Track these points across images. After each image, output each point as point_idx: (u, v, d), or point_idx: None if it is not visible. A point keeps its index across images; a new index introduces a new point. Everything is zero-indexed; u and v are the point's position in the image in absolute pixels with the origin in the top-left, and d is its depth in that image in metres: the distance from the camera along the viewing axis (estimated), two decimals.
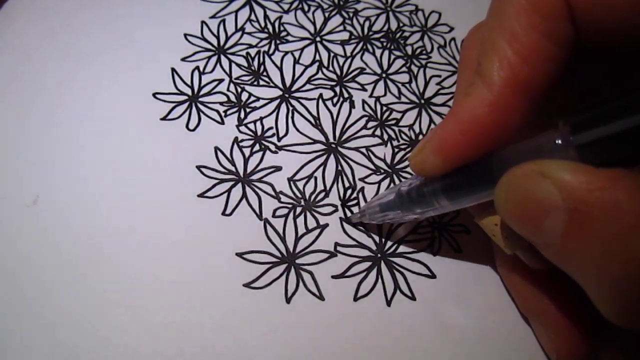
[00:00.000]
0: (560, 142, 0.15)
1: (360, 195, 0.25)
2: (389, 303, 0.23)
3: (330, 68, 0.29)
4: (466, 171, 0.18)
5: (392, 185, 0.26)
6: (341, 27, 0.31)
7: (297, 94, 0.28)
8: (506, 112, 0.17)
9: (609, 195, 0.13)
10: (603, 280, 0.14)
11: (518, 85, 0.17)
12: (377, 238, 0.24)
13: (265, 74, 0.28)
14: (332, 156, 0.26)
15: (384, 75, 0.30)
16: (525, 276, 0.22)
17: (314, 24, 0.31)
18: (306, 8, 0.32)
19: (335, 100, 0.28)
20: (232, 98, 0.27)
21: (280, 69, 0.29)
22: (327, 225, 0.24)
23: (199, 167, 0.24)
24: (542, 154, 0.16)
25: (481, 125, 0.17)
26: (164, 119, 0.26)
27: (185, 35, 0.29)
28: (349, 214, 0.25)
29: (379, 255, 0.24)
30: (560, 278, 0.20)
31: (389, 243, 0.24)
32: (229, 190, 0.24)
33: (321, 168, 0.26)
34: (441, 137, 0.18)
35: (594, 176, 0.14)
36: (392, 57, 0.31)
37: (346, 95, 0.29)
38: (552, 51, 0.17)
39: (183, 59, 0.28)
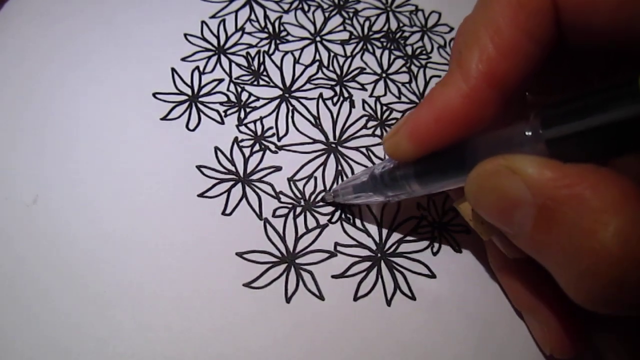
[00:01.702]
0: (530, 134, 0.16)
1: None
2: (389, 303, 0.23)
3: (331, 68, 0.29)
4: (438, 158, 0.19)
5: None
6: (341, 27, 0.31)
7: (297, 94, 0.28)
8: (480, 104, 0.17)
9: (576, 192, 0.14)
10: (570, 271, 0.14)
11: (494, 80, 0.17)
12: (377, 238, 0.24)
13: (265, 73, 0.28)
14: (332, 156, 0.26)
15: (384, 75, 0.30)
16: (517, 270, 0.22)
17: (314, 24, 0.31)
18: (306, 8, 0.32)
19: (335, 99, 0.28)
20: (232, 98, 0.27)
21: (280, 69, 0.29)
22: (327, 225, 0.24)
23: (199, 167, 0.24)
24: (512, 145, 0.16)
25: (454, 115, 0.17)
26: (164, 119, 0.26)
27: (185, 35, 0.29)
28: (348, 214, 0.25)
29: (378, 255, 0.24)
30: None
31: (389, 243, 0.24)
32: (229, 190, 0.24)
33: (321, 168, 0.26)
34: (415, 123, 0.18)
35: (562, 172, 0.14)
36: (392, 57, 0.31)
37: (346, 94, 0.29)
38: (532, 50, 0.17)
39: (183, 59, 0.28)
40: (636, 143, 0.14)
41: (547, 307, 0.21)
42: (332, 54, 0.30)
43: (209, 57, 0.28)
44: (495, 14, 0.17)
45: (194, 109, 0.26)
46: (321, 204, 0.25)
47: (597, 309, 0.14)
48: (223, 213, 0.23)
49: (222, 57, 0.28)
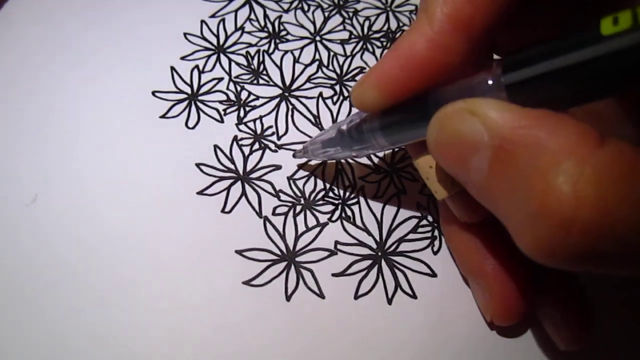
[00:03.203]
0: (491, 82, 0.16)
1: (361, 193, 0.25)
2: (389, 301, 0.23)
3: (330, 67, 0.29)
4: (403, 109, 0.19)
5: (391, 182, 0.26)
6: (341, 27, 0.31)
7: (296, 93, 0.28)
8: (445, 49, 0.17)
9: (531, 134, 0.14)
10: (521, 215, 0.14)
11: (459, 23, 0.17)
12: (377, 236, 0.24)
13: (264, 72, 0.28)
14: None
15: None
16: (465, 234, 0.22)
17: (313, 23, 0.31)
18: (306, 7, 0.32)
19: (335, 98, 0.28)
20: (232, 97, 0.27)
21: (280, 68, 0.29)
22: (327, 223, 0.24)
23: (198, 165, 0.24)
24: (475, 93, 0.16)
25: (420, 61, 0.17)
26: (163, 117, 0.26)
27: (184, 34, 0.29)
28: (349, 213, 0.25)
29: (379, 253, 0.24)
30: (497, 238, 0.21)
31: (390, 241, 0.24)
32: (228, 188, 0.24)
33: (321, 167, 0.26)
34: (380, 71, 0.18)
35: (519, 115, 0.14)
36: None
37: (346, 94, 0.29)
38: None
39: (182, 58, 0.28)
40: (597, 91, 0.14)
41: (490, 272, 0.21)
42: (331, 54, 0.30)
43: (209, 56, 0.28)
44: None
45: (193, 107, 0.26)
46: (321, 202, 0.25)
47: (543, 257, 0.14)
48: (222, 211, 0.23)
49: (222, 56, 0.28)
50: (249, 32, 0.30)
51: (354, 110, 0.27)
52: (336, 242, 0.24)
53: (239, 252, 0.22)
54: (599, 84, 0.14)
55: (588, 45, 0.13)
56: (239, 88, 0.27)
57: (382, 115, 0.19)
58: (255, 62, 0.29)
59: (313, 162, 0.25)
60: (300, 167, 0.25)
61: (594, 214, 0.13)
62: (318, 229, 0.24)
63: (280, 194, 0.24)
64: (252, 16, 0.30)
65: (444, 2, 0.17)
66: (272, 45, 0.29)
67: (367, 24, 0.32)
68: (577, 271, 0.14)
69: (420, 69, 0.17)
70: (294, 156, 0.25)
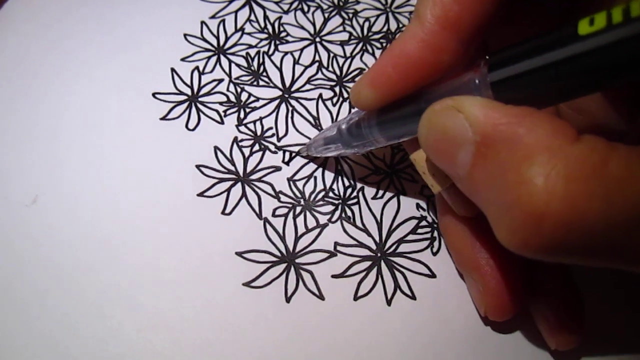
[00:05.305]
0: (478, 81, 0.16)
1: (361, 194, 0.25)
2: (389, 303, 0.23)
3: (330, 68, 0.29)
4: (398, 106, 0.19)
5: (391, 185, 0.26)
6: (341, 28, 0.31)
7: (296, 94, 0.28)
8: (435, 49, 0.18)
9: (511, 130, 0.14)
10: (499, 206, 0.15)
11: (447, 24, 0.18)
12: (377, 237, 0.24)
13: (265, 74, 0.28)
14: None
15: None
16: (462, 229, 0.22)
17: (313, 24, 0.31)
18: (306, 8, 0.32)
19: (335, 100, 0.28)
20: (232, 98, 0.27)
21: (280, 69, 0.29)
22: (327, 224, 0.24)
23: (198, 167, 0.24)
24: (463, 91, 0.17)
25: (411, 61, 0.18)
26: (163, 118, 0.26)
27: (185, 35, 0.29)
28: (349, 213, 0.25)
29: (379, 254, 0.24)
30: (492, 232, 0.21)
31: (389, 242, 0.24)
32: (228, 190, 0.24)
33: (321, 168, 0.26)
34: (375, 71, 0.19)
35: (502, 112, 0.15)
36: None
37: (346, 95, 0.29)
38: None
39: (183, 59, 0.28)
40: (576, 88, 0.15)
41: (484, 265, 0.21)
42: (331, 55, 0.30)
43: (209, 57, 0.28)
44: None
45: (193, 109, 0.26)
46: (321, 202, 0.25)
47: (517, 247, 0.15)
48: (223, 212, 0.23)
49: (222, 57, 0.28)
50: (249, 34, 0.30)
51: (354, 109, 0.27)
52: (336, 243, 0.24)
53: (239, 254, 0.22)
54: (578, 82, 0.14)
55: (565, 44, 0.14)
56: (239, 89, 0.27)
57: (378, 112, 0.20)
58: (255, 63, 0.29)
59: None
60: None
61: (564, 208, 0.13)
62: (318, 230, 0.24)
63: (280, 195, 0.25)
64: (252, 17, 0.30)
65: (433, 4, 0.18)
66: (272, 47, 0.29)
67: (367, 25, 0.32)
68: (551, 261, 0.15)
69: (412, 68, 0.18)
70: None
